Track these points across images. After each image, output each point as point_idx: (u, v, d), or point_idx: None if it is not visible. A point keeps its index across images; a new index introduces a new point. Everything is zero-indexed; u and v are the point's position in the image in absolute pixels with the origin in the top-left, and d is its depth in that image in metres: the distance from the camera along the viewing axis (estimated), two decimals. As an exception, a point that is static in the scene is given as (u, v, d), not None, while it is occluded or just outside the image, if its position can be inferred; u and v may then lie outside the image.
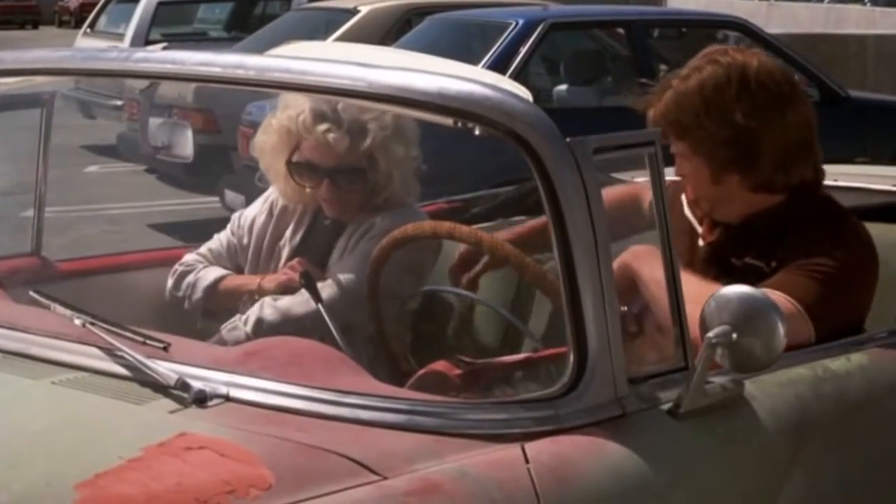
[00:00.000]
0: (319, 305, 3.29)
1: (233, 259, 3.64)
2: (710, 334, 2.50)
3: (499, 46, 9.05)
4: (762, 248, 3.11)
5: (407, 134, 3.49)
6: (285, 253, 3.57)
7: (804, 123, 3.17)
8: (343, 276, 3.38)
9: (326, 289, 3.34)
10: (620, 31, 10.12)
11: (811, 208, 3.14)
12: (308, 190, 3.52)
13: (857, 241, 3.11)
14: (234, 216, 3.71)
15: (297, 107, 3.46)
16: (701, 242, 3.23)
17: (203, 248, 3.66)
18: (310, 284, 3.35)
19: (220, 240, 3.68)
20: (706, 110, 3.10)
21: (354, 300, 3.32)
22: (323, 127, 3.42)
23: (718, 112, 3.09)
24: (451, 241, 3.29)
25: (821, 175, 3.24)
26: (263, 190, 3.69)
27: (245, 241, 3.63)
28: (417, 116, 3.09)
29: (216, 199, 9.18)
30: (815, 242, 3.03)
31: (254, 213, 3.67)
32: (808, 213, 3.13)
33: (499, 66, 8.44)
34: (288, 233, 3.60)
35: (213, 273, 3.60)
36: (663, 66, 10.24)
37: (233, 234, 3.67)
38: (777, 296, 2.82)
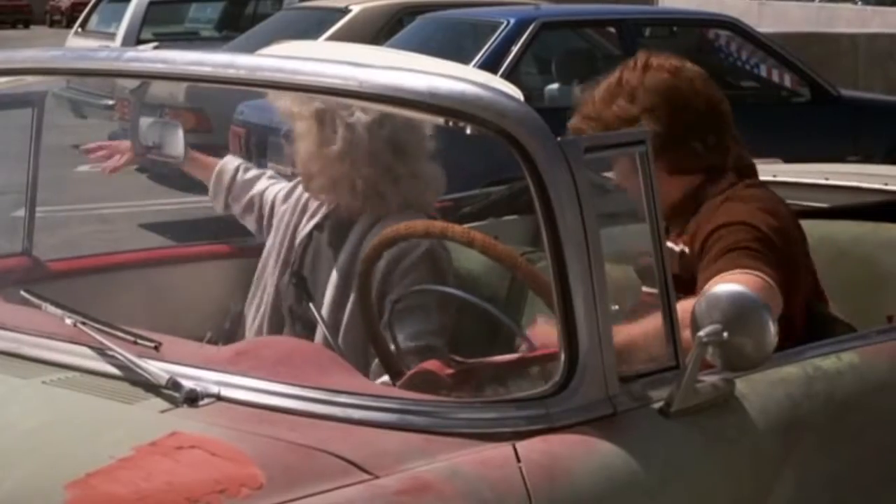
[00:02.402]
0: (311, 305, 3.29)
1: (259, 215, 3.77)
2: (701, 333, 2.51)
3: (490, 45, 9.05)
4: (678, 229, 3.20)
5: (391, 118, 3.43)
6: (297, 242, 3.59)
7: (709, 102, 3.28)
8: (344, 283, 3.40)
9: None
10: (612, 30, 10.12)
11: (723, 185, 3.23)
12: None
13: (766, 203, 3.18)
14: (266, 189, 3.82)
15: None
16: None
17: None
18: (301, 284, 3.34)
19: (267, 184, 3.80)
20: (610, 101, 3.26)
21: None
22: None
23: (620, 101, 3.24)
24: (443, 240, 3.30)
25: (744, 161, 3.32)
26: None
27: (267, 216, 3.74)
28: (409, 116, 3.09)
29: (208, 198, 9.16)
30: (728, 213, 3.12)
31: (281, 196, 3.75)
32: (718, 189, 3.22)
33: (490, 65, 8.44)
34: (303, 223, 3.62)
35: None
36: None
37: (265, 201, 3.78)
38: (745, 274, 2.89)
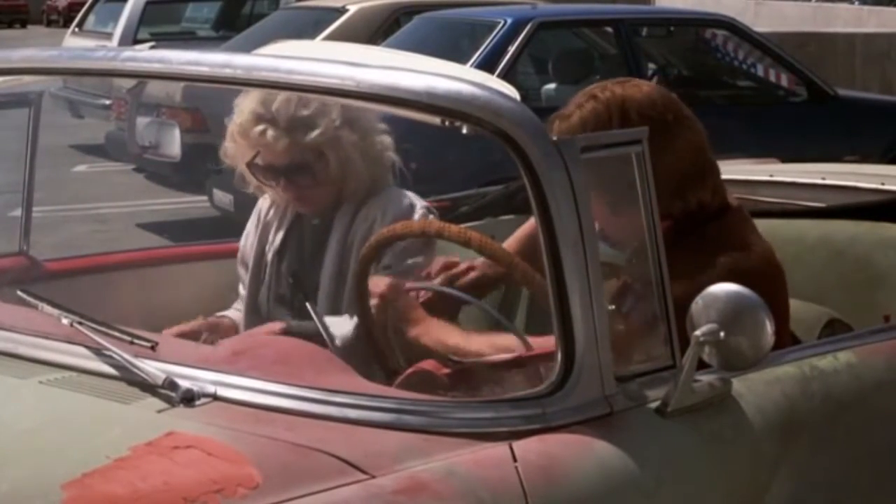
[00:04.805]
0: (308, 305, 3.29)
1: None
2: (698, 332, 2.51)
3: (487, 45, 9.07)
4: None
5: (361, 122, 3.46)
6: (270, 258, 3.56)
7: (694, 148, 3.11)
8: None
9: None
10: (609, 29, 10.13)
11: (696, 228, 3.06)
12: (275, 189, 3.51)
13: (725, 246, 3.03)
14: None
15: (240, 112, 3.45)
16: None
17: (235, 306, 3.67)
18: (298, 283, 3.33)
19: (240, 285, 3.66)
20: None
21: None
22: (259, 128, 3.40)
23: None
24: (440, 240, 3.30)
25: (719, 196, 3.14)
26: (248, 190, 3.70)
27: (248, 262, 3.63)
28: (405, 115, 3.09)
29: (204, 198, 9.16)
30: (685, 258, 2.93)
31: (247, 233, 3.67)
32: (689, 232, 3.05)
33: (487, 65, 8.45)
34: (270, 236, 3.59)
35: None
36: (651, 65, 10.25)
37: (244, 270, 3.65)
38: None
